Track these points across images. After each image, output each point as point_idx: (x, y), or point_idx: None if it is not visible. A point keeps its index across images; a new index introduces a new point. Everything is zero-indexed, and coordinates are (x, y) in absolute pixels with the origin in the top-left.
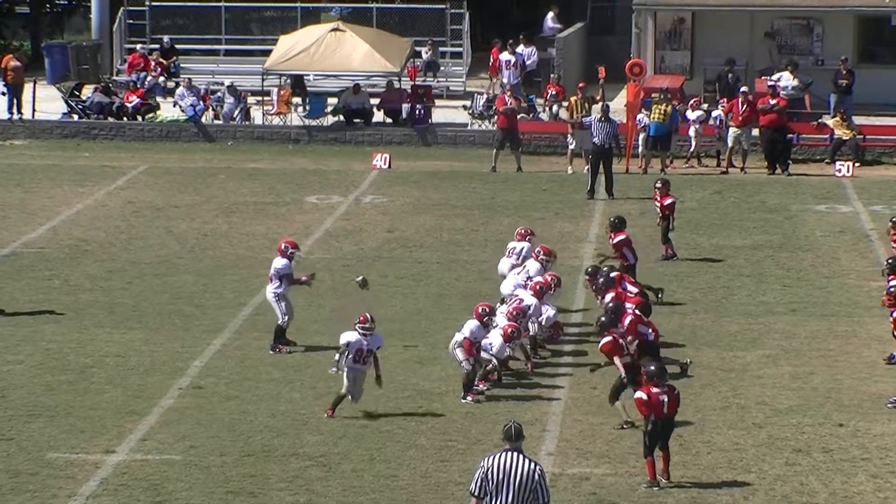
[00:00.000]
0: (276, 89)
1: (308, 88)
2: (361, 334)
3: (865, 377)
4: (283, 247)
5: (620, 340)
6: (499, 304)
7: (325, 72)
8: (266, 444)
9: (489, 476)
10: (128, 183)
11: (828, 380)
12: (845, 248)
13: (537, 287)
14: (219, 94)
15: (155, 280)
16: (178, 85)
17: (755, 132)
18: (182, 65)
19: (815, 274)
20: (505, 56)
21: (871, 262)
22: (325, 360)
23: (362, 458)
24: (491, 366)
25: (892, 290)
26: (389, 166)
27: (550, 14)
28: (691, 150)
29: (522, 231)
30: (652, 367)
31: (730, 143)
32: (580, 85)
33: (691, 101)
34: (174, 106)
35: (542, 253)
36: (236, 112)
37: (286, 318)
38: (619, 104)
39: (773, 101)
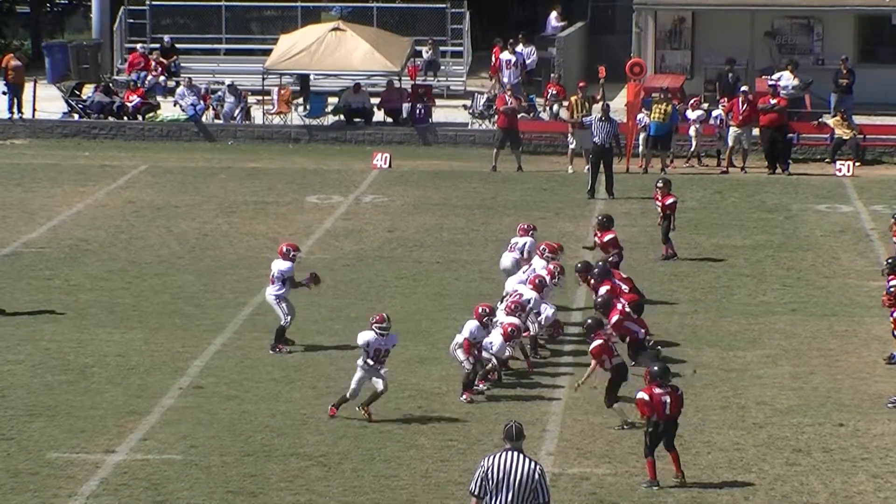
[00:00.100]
0: (276, 89)
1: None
2: (379, 334)
3: (865, 377)
4: (284, 249)
5: (609, 343)
6: (499, 303)
7: (325, 71)
8: (266, 444)
9: (489, 475)
10: (128, 182)
11: (828, 380)
12: (845, 247)
13: (536, 281)
14: (219, 93)
15: (155, 280)
16: (178, 84)
17: (755, 132)
18: (182, 64)
19: (816, 274)
20: (505, 55)
21: (871, 262)
22: (326, 360)
23: (362, 458)
24: (490, 365)
25: (891, 289)
26: (390, 166)
27: (553, 13)
28: (692, 149)
29: (525, 226)
30: (655, 368)
31: (730, 143)
32: (581, 84)
33: (691, 101)
34: (174, 105)
35: (546, 251)
36: (237, 111)
37: (288, 318)
38: (619, 104)
39: (773, 101)
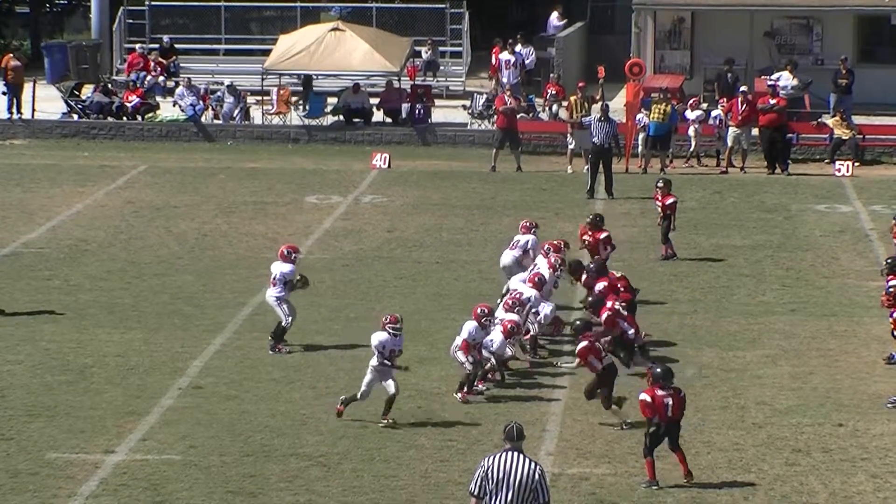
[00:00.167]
0: (275, 89)
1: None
2: (392, 334)
3: (865, 377)
4: (285, 252)
5: (597, 344)
6: (498, 300)
7: (324, 71)
8: (266, 444)
9: (489, 475)
10: (127, 183)
11: (827, 380)
12: (845, 247)
13: (536, 279)
14: (218, 93)
15: (154, 280)
16: (177, 84)
17: (755, 132)
18: (182, 64)
19: (815, 274)
20: (504, 56)
21: (870, 262)
22: (325, 361)
23: (362, 458)
24: (489, 365)
25: (891, 290)
26: (389, 166)
27: (555, 13)
28: (691, 149)
29: (527, 223)
30: (658, 370)
31: (729, 143)
32: (580, 84)
33: (691, 101)
34: (174, 105)
35: (551, 249)
36: (236, 112)
37: (290, 319)
38: (618, 104)
39: (772, 101)
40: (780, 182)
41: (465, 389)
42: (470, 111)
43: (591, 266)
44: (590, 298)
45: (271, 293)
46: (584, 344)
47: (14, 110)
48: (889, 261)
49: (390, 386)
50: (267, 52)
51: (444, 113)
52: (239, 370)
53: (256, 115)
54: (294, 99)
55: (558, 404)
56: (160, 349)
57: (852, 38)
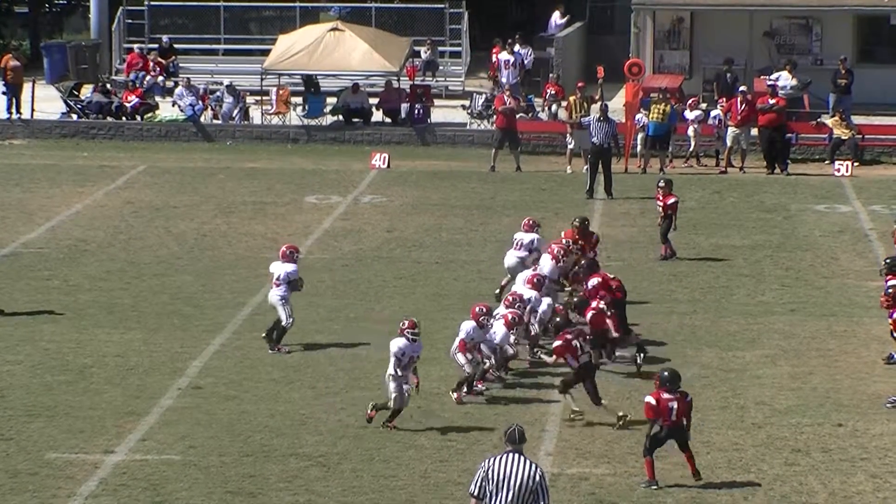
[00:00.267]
0: (274, 89)
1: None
2: (410, 340)
3: (864, 377)
4: (287, 252)
5: (574, 342)
6: (496, 295)
7: (323, 71)
8: (265, 444)
9: (489, 476)
10: (127, 183)
11: (827, 380)
12: (844, 247)
13: (535, 280)
14: (218, 93)
15: (154, 280)
16: (176, 84)
17: (754, 132)
18: (181, 64)
19: (814, 274)
20: (504, 56)
21: (870, 262)
22: (325, 361)
23: (361, 458)
24: (488, 364)
25: (890, 290)
26: (388, 166)
27: (556, 13)
28: (690, 149)
29: (530, 222)
30: (665, 373)
31: (729, 143)
32: (579, 84)
33: (690, 101)
34: (173, 105)
35: (557, 248)
36: (235, 112)
37: (290, 320)
38: (618, 104)
39: (772, 101)
40: (779, 182)
41: (465, 390)
42: (469, 111)
43: (584, 263)
44: (575, 299)
45: (276, 293)
46: (559, 342)
47: (13, 110)
48: (888, 261)
49: (394, 397)
50: (266, 52)
51: (444, 113)
52: (238, 370)
53: (256, 115)
54: (294, 100)
55: (558, 405)
56: (160, 349)
57: (851, 38)
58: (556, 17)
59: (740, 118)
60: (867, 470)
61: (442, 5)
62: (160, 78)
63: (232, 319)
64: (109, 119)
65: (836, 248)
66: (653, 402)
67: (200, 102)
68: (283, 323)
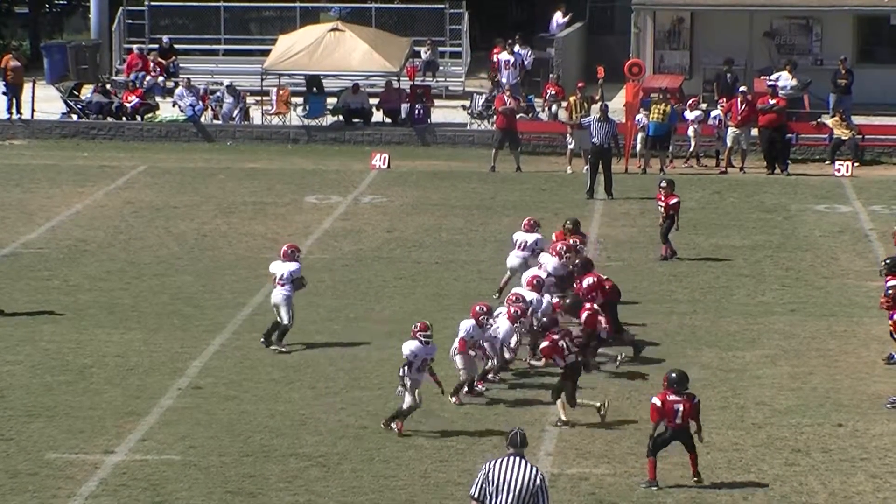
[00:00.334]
0: (275, 89)
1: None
2: (423, 342)
3: (864, 377)
4: (289, 251)
5: (561, 343)
6: (495, 295)
7: (324, 72)
8: (265, 445)
9: (490, 478)
10: (127, 183)
11: (827, 380)
12: (844, 248)
13: (534, 281)
14: (218, 93)
15: (154, 280)
16: (177, 85)
17: (754, 132)
18: (181, 65)
19: (815, 274)
20: (504, 56)
21: (870, 262)
22: (325, 361)
23: (361, 459)
24: (490, 365)
25: (890, 291)
26: (388, 166)
27: (558, 13)
28: (690, 149)
29: (531, 222)
30: (673, 375)
31: (729, 143)
32: (579, 85)
33: (690, 101)
34: (173, 106)
35: (564, 249)
36: (235, 112)
37: (292, 320)
38: (618, 104)
39: (772, 101)
40: (779, 182)
41: (465, 390)
42: (469, 111)
43: (577, 262)
44: (566, 301)
45: (280, 292)
46: (546, 343)
47: (13, 110)
48: (888, 261)
49: (408, 399)
50: (266, 53)
51: (444, 113)
52: (238, 370)
53: (256, 115)
54: (295, 100)
55: (557, 405)
56: (160, 349)
57: (852, 39)
58: (558, 17)
59: (740, 118)
60: (867, 470)
61: (442, 5)
62: (160, 78)
63: (232, 320)
64: (110, 119)
65: (837, 249)
66: (658, 403)
67: (201, 103)
68: (286, 322)
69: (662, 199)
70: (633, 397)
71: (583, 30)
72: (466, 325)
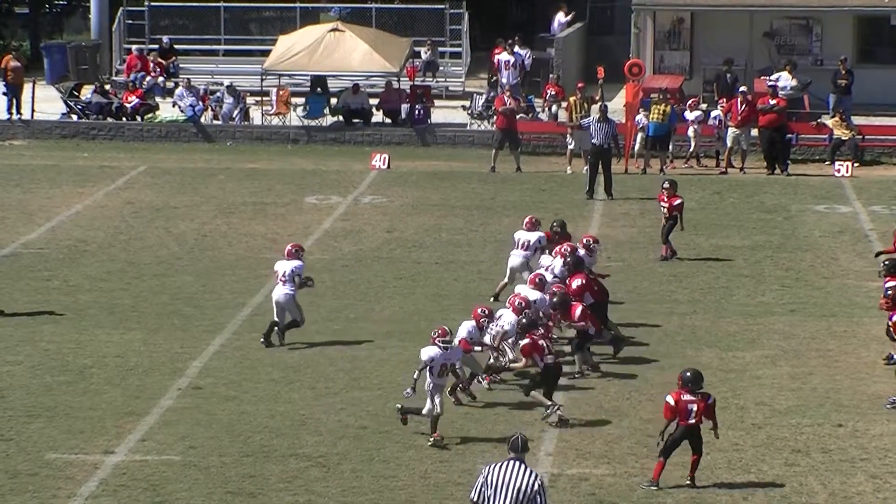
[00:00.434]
0: (275, 89)
1: (307, 89)
2: (442, 348)
3: (864, 377)
4: (293, 250)
5: (541, 342)
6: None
7: (324, 72)
8: (265, 445)
9: (489, 481)
10: (127, 183)
11: (827, 380)
12: (844, 248)
13: (537, 280)
14: (218, 94)
15: (154, 280)
16: (177, 85)
17: (754, 132)
18: (181, 65)
19: (814, 274)
20: (504, 56)
21: (869, 263)
22: (325, 361)
23: (361, 459)
24: (505, 361)
25: (889, 292)
26: (388, 166)
27: (560, 13)
28: (690, 150)
29: (533, 220)
30: (687, 374)
31: (729, 144)
32: (579, 85)
33: (690, 101)
34: (173, 106)
35: (569, 250)
36: (235, 112)
37: (302, 315)
38: (618, 104)
39: (772, 101)
40: (779, 182)
41: (460, 388)
42: (469, 112)
43: (569, 260)
44: (554, 299)
45: (283, 290)
46: (527, 341)
47: (14, 111)
48: (887, 262)
49: (428, 406)
50: (266, 53)
51: (444, 113)
52: (238, 371)
53: (256, 115)
54: (295, 100)
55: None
56: (159, 350)
57: (852, 39)
58: (560, 17)
59: (740, 119)
60: (867, 470)
61: (442, 6)
62: (160, 79)
63: (232, 320)
64: (110, 120)
65: (836, 249)
66: (672, 402)
67: (201, 103)
68: (298, 319)
69: (665, 199)
70: (632, 397)
71: (583, 30)
72: (468, 325)
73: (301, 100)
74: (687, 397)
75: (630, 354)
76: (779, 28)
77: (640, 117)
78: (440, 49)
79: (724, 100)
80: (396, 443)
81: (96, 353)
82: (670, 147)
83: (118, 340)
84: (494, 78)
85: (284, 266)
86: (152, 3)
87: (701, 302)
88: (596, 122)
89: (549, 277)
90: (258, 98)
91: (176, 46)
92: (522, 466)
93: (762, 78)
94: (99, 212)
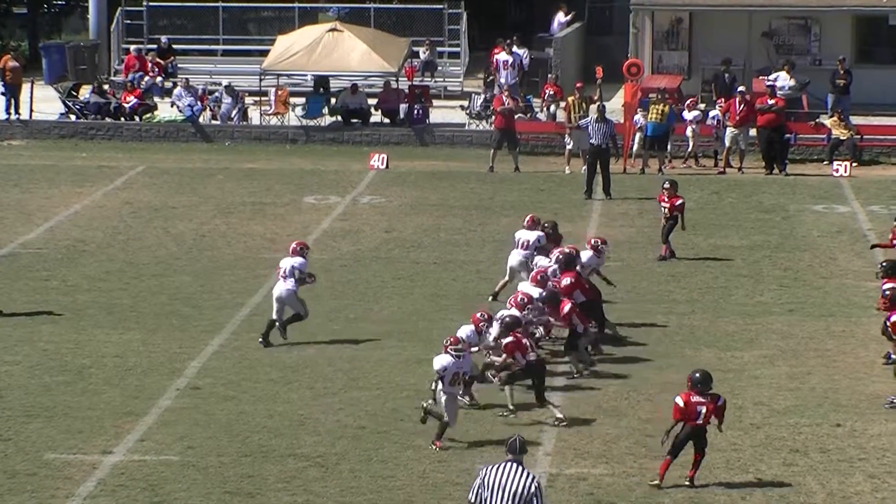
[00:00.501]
0: (273, 89)
1: (306, 88)
2: (454, 357)
3: (863, 377)
4: (298, 248)
5: (524, 340)
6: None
7: (322, 72)
8: (264, 445)
9: (486, 483)
10: (125, 183)
11: (825, 380)
12: (843, 248)
13: (538, 277)
14: (216, 94)
15: (153, 280)
16: (175, 85)
17: (752, 132)
18: (180, 65)
19: (813, 274)
20: (502, 56)
21: (868, 263)
22: (323, 361)
23: (360, 459)
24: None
25: (887, 293)
26: (387, 166)
27: (560, 13)
28: (689, 150)
29: (533, 219)
30: (697, 375)
31: (727, 143)
32: (578, 85)
33: (688, 101)
34: (172, 106)
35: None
36: (234, 112)
37: (305, 309)
38: (616, 104)
39: (770, 101)
40: (777, 182)
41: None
42: (468, 112)
43: (560, 258)
44: (545, 294)
45: (284, 286)
46: (510, 339)
47: (12, 111)
48: (885, 264)
49: (445, 414)
50: (265, 53)
51: (442, 113)
52: (237, 371)
53: (254, 115)
54: (293, 100)
55: (557, 406)
56: (158, 350)
57: (850, 39)
58: (560, 17)
59: (739, 118)
60: (865, 470)
61: (441, 6)
62: (159, 79)
63: (230, 320)
64: (108, 120)
65: (835, 249)
66: (681, 403)
67: (199, 103)
68: (302, 313)
69: (666, 199)
70: (631, 397)
71: (581, 30)
72: (466, 329)
73: (301, 99)
74: (696, 399)
75: (628, 354)
76: (777, 28)
77: (639, 117)
78: (438, 49)
79: (723, 100)
80: (395, 443)
81: (95, 354)
82: (668, 147)
83: (117, 340)
84: (491, 78)
85: (287, 262)
86: (150, 3)
87: (699, 302)
88: (594, 122)
89: (546, 271)
90: (256, 98)
91: (174, 46)
92: (520, 468)
93: (760, 78)
94: (97, 212)
